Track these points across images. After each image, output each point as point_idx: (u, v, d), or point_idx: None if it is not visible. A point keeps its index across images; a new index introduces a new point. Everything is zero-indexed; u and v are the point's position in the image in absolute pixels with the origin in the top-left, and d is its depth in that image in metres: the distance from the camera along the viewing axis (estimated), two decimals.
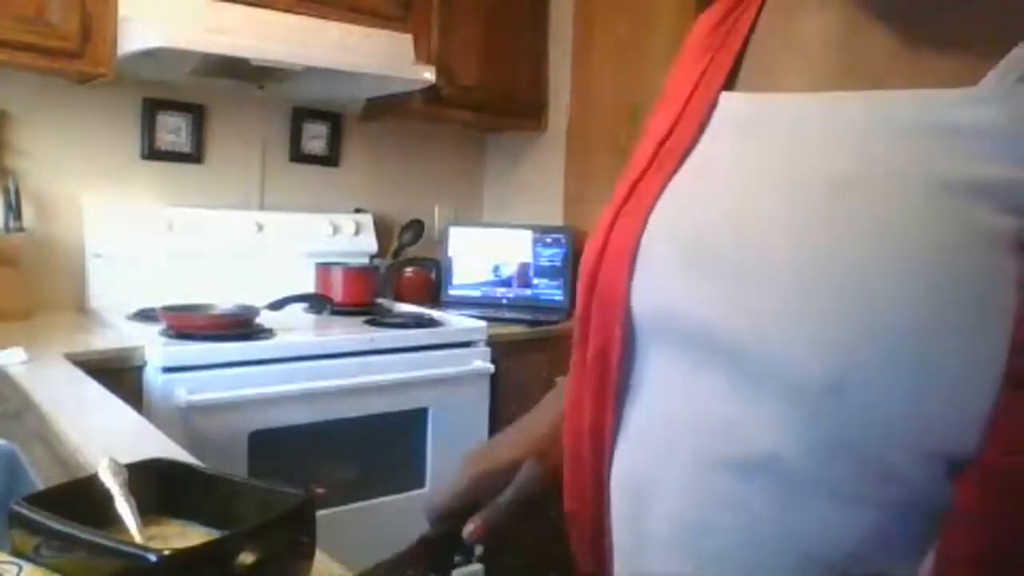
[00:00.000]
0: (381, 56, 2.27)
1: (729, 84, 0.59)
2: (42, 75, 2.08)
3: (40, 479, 0.86)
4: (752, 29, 0.61)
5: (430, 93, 2.44)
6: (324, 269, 2.42)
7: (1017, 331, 0.42)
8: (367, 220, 2.69)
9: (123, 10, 1.95)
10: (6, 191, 2.07)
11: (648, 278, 0.55)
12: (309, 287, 2.41)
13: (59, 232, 2.21)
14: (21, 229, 2.08)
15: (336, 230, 2.59)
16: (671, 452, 0.52)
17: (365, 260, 2.63)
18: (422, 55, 2.39)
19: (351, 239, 2.62)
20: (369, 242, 2.67)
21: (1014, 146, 0.44)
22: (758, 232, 0.50)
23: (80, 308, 2.22)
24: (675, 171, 0.57)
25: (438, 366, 2.09)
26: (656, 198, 0.56)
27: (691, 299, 0.52)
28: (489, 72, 2.62)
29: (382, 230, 2.75)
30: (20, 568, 0.55)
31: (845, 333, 0.45)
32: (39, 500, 0.59)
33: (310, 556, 0.63)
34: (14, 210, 2.07)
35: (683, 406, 0.52)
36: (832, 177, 0.48)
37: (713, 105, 0.58)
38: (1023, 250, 0.43)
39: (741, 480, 0.48)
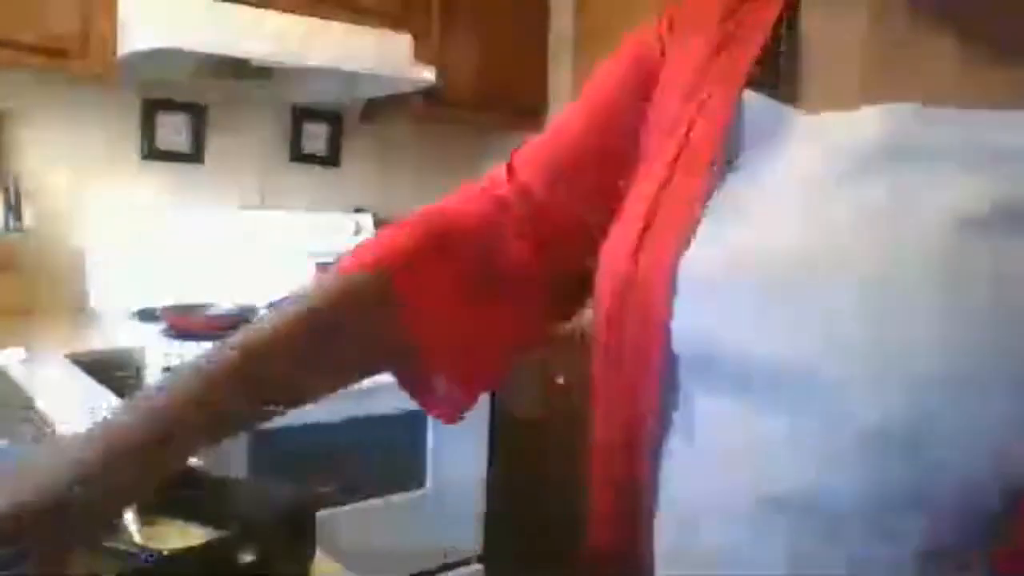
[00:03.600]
0: (381, 56, 2.26)
1: (756, 84, 0.54)
2: (42, 75, 2.07)
3: None
4: (777, 26, 0.56)
5: (430, 93, 2.44)
6: (324, 269, 2.42)
7: None
8: (367, 220, 2.69)
9: (123, 10, 1.95)
10: (6, 191, 2.07)
11: (693, 309, 0.50)
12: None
13: (59, 232, 2.21)
14: (21, 229, 2.08)
15: (336, 230, 2.59)
16: (728, 487, 0.49)
17: None
18: (422, 55, 2.39)
19: (351, 239, 2.62)
20: None
21: None
22: (810, 253, 0.46)
23: (80, 308, 2.21)
24: (711, 185, 0.52)
25: None
26: (692, 217, 0.51)
27: (740, 325, 0.48)
28: (489, 72, 2.62)
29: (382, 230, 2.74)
30: None
31: (924, 382, 0.41)
32: None
33: (310, 556, 0.63)
34: (14, 210, 2.07)
35: (742, 445, 0.48)
36: (918, 213, 0.44)
37: (737, 103, 0.54)
38: None
39: (799, 519, 0.46)
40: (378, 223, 2.72)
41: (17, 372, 1.43)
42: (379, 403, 2.00)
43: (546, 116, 2.83)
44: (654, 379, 0.52)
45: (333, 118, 2.69)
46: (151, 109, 2.35)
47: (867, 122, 0.48)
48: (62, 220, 2.21)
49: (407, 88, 2.42)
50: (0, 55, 1.84)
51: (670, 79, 0.61)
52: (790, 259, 0.47)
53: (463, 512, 2.19)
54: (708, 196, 0.51)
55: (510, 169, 0.72)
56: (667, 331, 0.50)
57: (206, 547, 0.56)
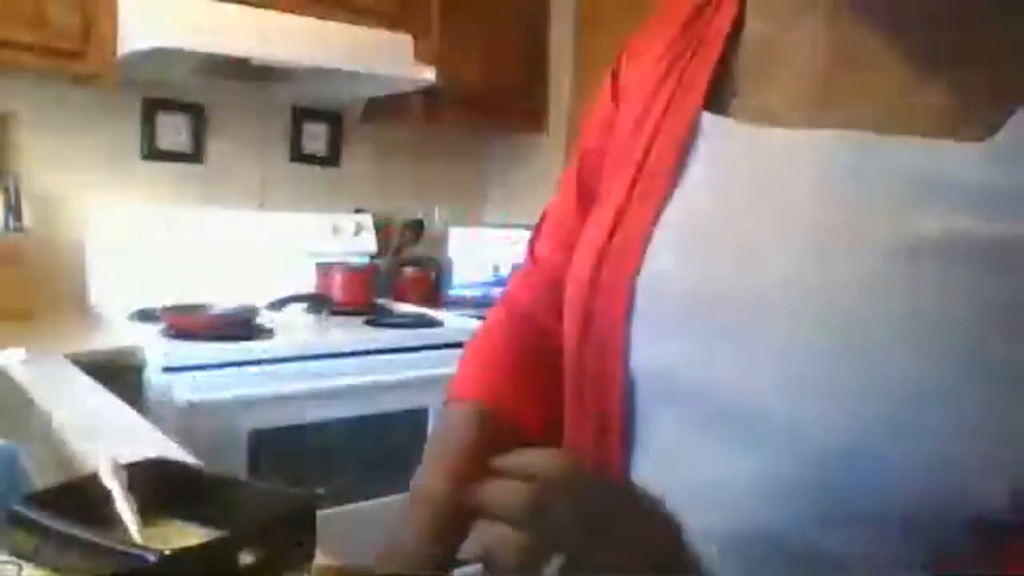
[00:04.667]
0: (381, 56, 2.26)
1: (709, 102, 0.55)
2: (42, 75, 2.07)
3: (40, 479, 0.86)
4: (730, 38, 0.56)
5: (430, 93, 2.44)
6: (324, 269, 2.42)
7: None
8: (367, 220, 2.69)
9: (123, 10, 1.95)
10: (6, 191, 2.07)
11: (648, 334, 0.51)
12: (309, 287, 2.41)
13: (59, 232, 2.21)
14: (21, 229, 2.08)
15: (336, 230, 2.59)
16: (690, 512, 0.49)
17: (365, 260, 2.63)
18: (422, 55, 2.39)
19: (351, 239, 2.62)
20: (369, 242, 2.67)
21: (1016, 205, 0.42)
22: (762, 289, 0.47)
23: (80, 308, 2.22)
24: (662, 205, 0.53)
25: (438, 366, 2.09)
26: (646, 238, 0.52)
27: (696, 361, 0.49)
28: (489, 72, 2.62)
29: (382, 230, 2.75)
30: (20, 568, 0.55)
31: (857, 400, 0.42)
32: (39, 500, 0.59)
33: (310, 556, 0.63)
34: (14, 210, 2.07)
35: (697, 470, 0.49)
36: (832, 231, 0.46)
37: (692, 124, 0.54)
38: (1018, 310, 0.41)
39: (762, 548, 0.46)
40: (378, 223, 2.72)
41: (17, 372, 1.43)
42: (379, 403, 2.00)
43: (546, 116, 2.83)
44: (615, 404, 0.53)
45: (333, 118, 2.69)
46: (151, 109, 2.35)
47: (812, 148, 0.48)
48: (62, 220, 2.21)
49: (407, 88, 2.42)
50: (0, 55, 1.84)
51: (626, 106, 0.62)
52: (733, 298, 0.48)
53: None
54: (657, 222, 0.53)
55: (532, 252, 0.77)
56: (625, 359, 0.52)
57: (206, 547, 0.56)
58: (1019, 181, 0.42)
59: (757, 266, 0.47)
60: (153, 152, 2.36)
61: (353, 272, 2.43)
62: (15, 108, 2.14)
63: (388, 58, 2.28)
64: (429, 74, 2.32)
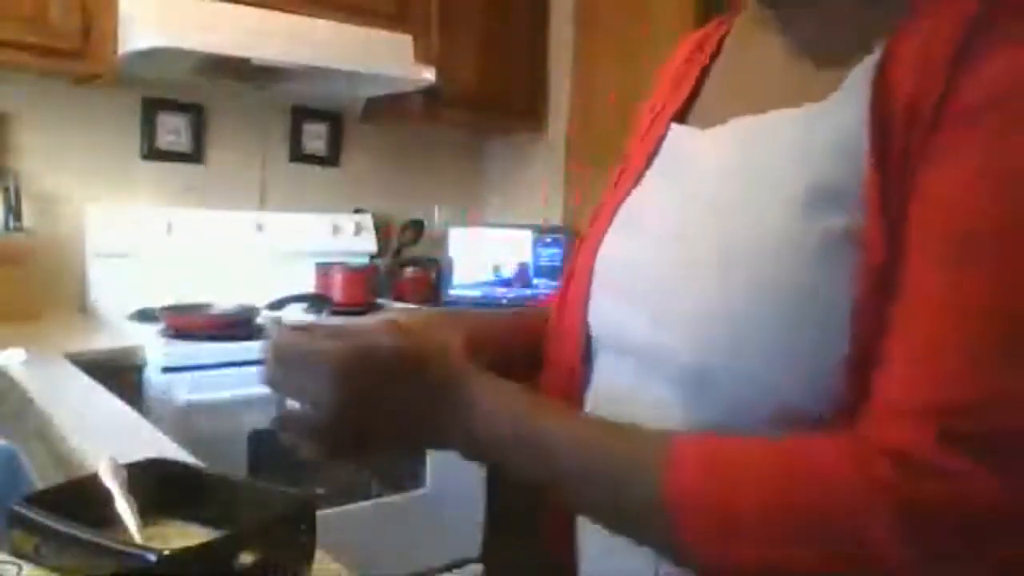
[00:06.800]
0: (381, 56, 2.27)
1: (684, 112, 0.69)
2: (42, 75, 2.07)
3: (40, 479, 0.86)
4: (709, 63, 0.70)
5: (430, 93, 2.44)
6: (324, 269, 2.42)
7: (854, 320, 0.49)
8: (367, 220, 2.69)
9: (123, 10, 1.95)
10: (6, 191, 2.07)
11: (600, 300, 0.67)
12: (309, 287, 2.41)
13: (59, 232, 2.21)
14: (21, 229, 2.08)
15: (336, 230, 2.59)
16: None
17: (365, 260, 2.63)
18: (422, 55, 2.39)
19: (351, 239, 2.62)
20: (369, 242, 2.67)
21: (839, 153, 0.52)
22: (662, 275, 0.61)
23: (80, 308, 2.22)
24: (623, 200, 0.69)
25: None
26: (607, 228, 0.68)
27: (627, 320, 0.63)
28: (489, 72, 2.62)
29: (382, 230, 2.75)
30: (20, 568, 0.55)
31: (707, 327, 0.55)
32: (39, 500, 0.59)
33: (310, 556, 0.63)
34: (14, 210, 2.07)
35: (622, 395, 0.63)
36: (714, 200, 0.59)
37: (664, 132, 0.68)
38: (852, 243, 0.50)
39: None
40: (378, 223, 2.72)
41: (17, 372, 1.43)
42: None
43: (546, 116, 2.83)
44: (576, 355, 0.68)
45: (333, 118, 2.69)
46: (151, 109, 2.35)
47: (715, 140, 0.63)
48: (62, 220, 2.21)
49: (407, 88, 2.42)
50: (0, 55, 1.84)
51: (639, 119, 0.77)
52: (648, 270, 0.62)
53: (463, 512, 2.19)
54: (616, 213, 0.69)
55: None
56: (584, 320, 0.68)
57: (206, 547, 0.56)
58: (833, 137, 0.53)
59: (664, 244, 0.62)
60: (153, 152, 2.36)
61: (353, 272, 2.43)
62: (15, 108, 2.14)
63: (388, 58, 2.28)
64: (429, 74, 2.32)
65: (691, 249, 0.59)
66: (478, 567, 2.23)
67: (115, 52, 1.96)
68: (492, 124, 2.83)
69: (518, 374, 0.66)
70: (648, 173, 0.68)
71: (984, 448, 0.44)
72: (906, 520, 0.44)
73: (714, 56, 0.71)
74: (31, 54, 1.87)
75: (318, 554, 0.65)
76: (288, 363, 0.57)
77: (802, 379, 0.51)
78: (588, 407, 0.67)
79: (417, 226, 2.78)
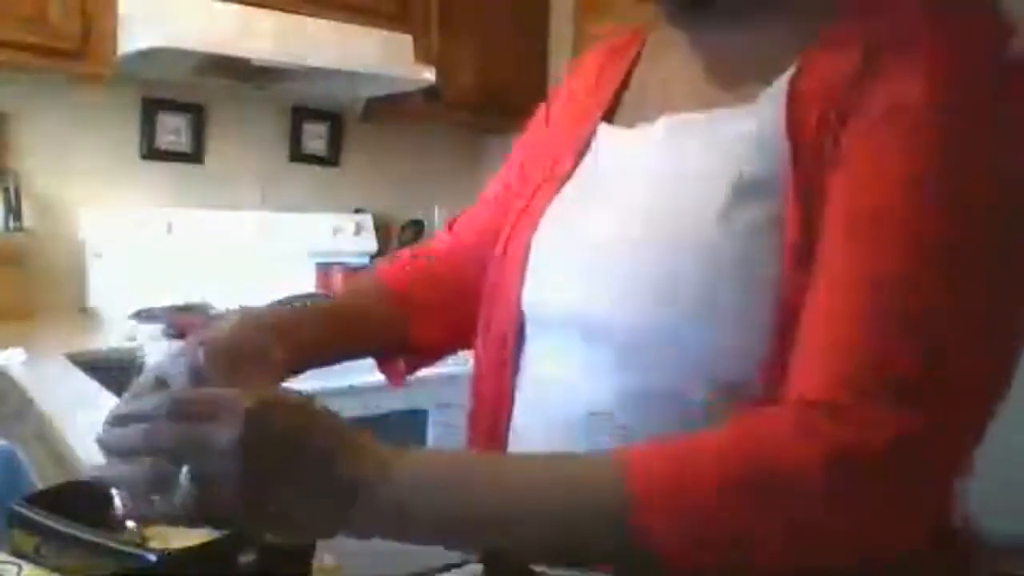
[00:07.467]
0: (381, 56, 2.27)
1: (612, 113, 0.75)
2: (42, 75, 2.07)
3: (40, 479, 0.86)
4: (631, 68, 0.77)
5: (430, 93, 2.44)
6: (324, 269, 2.42)
7: (781, 290, 0.55)
8: (367, 220, 2.69)
9: (123, 10, 1.95)
10: (6, 191, 2.07)
11: (532, 278, 0.72)
12: (309, 287, 2.41)
13: (59, 232, 2.21)
14: (21, 229, 2.08)
15: (336, 230, 2.59)
16: (548, 407, 0.68)
17: (365, 260, 2.63)
18: (422, 55, 2.39)
19: (351, 239, 2.62)
20: (369, 242, 2.67)
21: (761, 149, 0.59)
22: (597, 246, 0.67)
23: (80, 308, 2.22)
24: (555, 194, 0.74)
25: (438, 367, 2.08)
26: (541, 216, 0.73)
27: (553, 295, 0.69)
28: (489, 72, 2.61)
29: (382, 230, 2.74)
30: (20, 568, 0.55)
31: (635, 288, 0.61)
32: (39, 500, 0.59)
33: (310, 556, 0.63)
34: (14, 210, 2.07)
35: (554, 372, 0.68)
36: (646, 187, 0.66)
37: (592, 136, 0.74)
38: (778, 226, 0.56)
39: (589, 428, 0.64)
40: (378, 223, 2.72)
41: (17, 372, 1.43)
42: (379, 403, 2.00)
43: None
44: (511, 339, 0.73)
45: (333, 118, 2.69)
46: (151, 109, 2.35)
47: (644, 136, 0.69)
48: (62, 220, 2.21)
49: (407, 88, 2.42)
50: (0, 55, 1.84)
51: (555, 119, 0.84)
52: (579, 252, 0.68)
53: None
54: (550, 202, 0.73)
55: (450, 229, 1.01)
56: (519, 294, 0.73)
57: (206, 547, 0.56)
58: (757, 134, 0.60)
59: (599, 224, 0.67)
60: (153, 152, 2.36)
61: (353, 272, 2.43)
62: (15, 108, 2.14)
63: (388, 58, 2.28)
64: (429, 74, 2.32)
65: (624, 226, 0.65)
66: (478, 567, 2.23)
67: (115, 52, 1.96)
68: (492, 124, 2.83)
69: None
70: (579, 169, 0.74)
71: (903, 396, 0.50)
72: (837, 464, 0.49)
73: (635, 61, 0.78)
74: (31, 54, 1.87)
75: (318, 554, 0.65)
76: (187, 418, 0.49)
77: (729, 339, 0.57)
78: (521, 376, 0.72)
79: (417, 226, 2.78)
